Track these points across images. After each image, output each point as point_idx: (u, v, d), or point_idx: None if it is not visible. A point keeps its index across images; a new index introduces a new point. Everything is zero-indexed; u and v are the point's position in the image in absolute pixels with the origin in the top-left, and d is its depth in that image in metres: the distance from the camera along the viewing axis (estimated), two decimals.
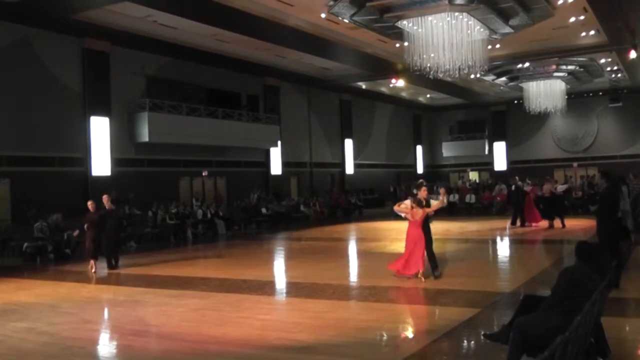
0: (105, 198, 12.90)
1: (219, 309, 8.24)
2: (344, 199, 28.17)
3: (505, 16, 17.74)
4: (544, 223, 18.60)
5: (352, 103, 31.90)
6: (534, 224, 18.76)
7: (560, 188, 19.47)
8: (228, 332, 6.84)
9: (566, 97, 28.58)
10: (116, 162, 19.35)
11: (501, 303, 7.95)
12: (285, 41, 20.24)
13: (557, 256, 12.55)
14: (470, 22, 17.14)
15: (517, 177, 20.03)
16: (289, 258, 15.01)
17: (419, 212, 9.78)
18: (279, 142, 25.92)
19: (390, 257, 13.51)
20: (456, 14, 16.61)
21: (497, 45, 20.93)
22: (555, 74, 26.55)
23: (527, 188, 19.22)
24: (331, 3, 16.84)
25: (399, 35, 18.56)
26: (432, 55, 17.54)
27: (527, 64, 25.58)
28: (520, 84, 28.17)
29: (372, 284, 9.73)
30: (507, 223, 19.60)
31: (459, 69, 17.91)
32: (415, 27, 17.36)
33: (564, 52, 23.31)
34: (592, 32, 20.59)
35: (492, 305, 7.79)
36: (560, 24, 19.19)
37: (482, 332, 5.93)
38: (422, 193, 9.99)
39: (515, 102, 32.45)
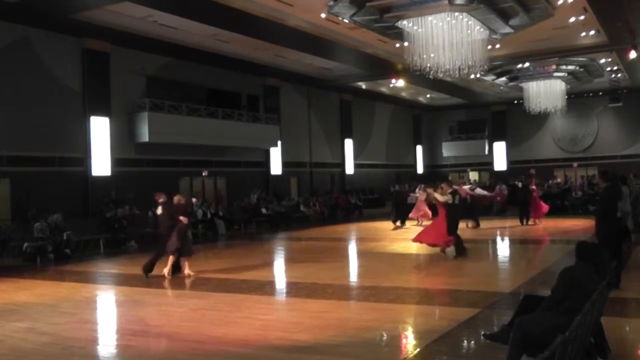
0: (177, 197, 11.62)
1: (218, 309, 8.24)
2: (344, 199, 28.16)
3: (505, 16, 17.74)
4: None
5: (352, 103, 31.89)
6: (537, 221, 19.65)
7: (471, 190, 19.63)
8: (228, 332, 6.84)
9: (566, 97, 28.57)
10: (116, 162, 19.35)
11: (501, 303, 7.94)
12: (285, 41, 20.23)
13: (557, 256, 12.54)
14: (470, 22, 17.14)
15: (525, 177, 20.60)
16: (289, 258, 15.00)
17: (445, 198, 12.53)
18: (279, 142, 25.92)
19: (390, 257, 13.54)
20: (456, 14, 16.61)
21: (497, 45, 20.93)
22: (555, 74, 26.54)
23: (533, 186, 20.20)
24: (331, 3, 16.84)
25: (399, 35, 18.56)
26: (432, 55, 17.53)
27: (527, 64, 25.58)
28: (520, 84, 28.17)
29: (372, 284, 9.74)
30: (508, 223, 19.67)
31: (459, 69, 17.90)
32: (415, 27, 17.36)
33: (564, 52, 23.30)
34: (592, 32, 20.58)
35: (492, 305, 7.79)
36: (560, 24, 19.18)
37: (482, 332, 5.93)
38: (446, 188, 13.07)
39: (515, 102, 32.44)
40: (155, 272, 10.98)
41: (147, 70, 20.96)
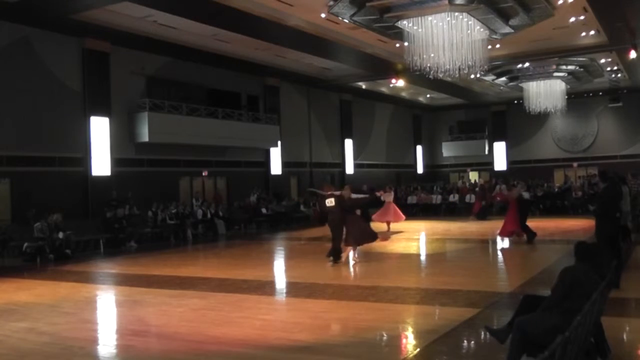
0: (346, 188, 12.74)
1: (219, 309, 8.24)
2: None
3: (505, 16, 17.73)
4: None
5: (352, 103, 31.88)
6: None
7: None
8: (228, 332, 6.84)
9: (566, 97, 28.55)
10: (116, 162, 19.34)
11: (501, 303, 7.95)
12: (285, 41, 20.23)
13: (557, 256, 12.55)
14: (470, 22, 17.13)
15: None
16: (289, 258, 15.00)
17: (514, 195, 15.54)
18: (279, 142, 25.91)
19: (390, 257, 13.52)
20: (456, 14, 16.60)
21: (497, 45, 20.92)
22: (555, 74, 26.53)
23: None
24: (331, 3, 16.84)
25: (399, 35, 18.55)
26: (432, 55, 17.52)
27: (527, 64, 25.56)
28: (520, 84, 28.15)
29: (372, 284, 9.74)
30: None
31: (459, 69, 17.89)
32: (415, 27, 17.36)
33: (564, 52, 23.29)
34: (592, 32, 20.58)
35: (492, 305, 7.79)
36: (560, 24, 19.18)
37: (485, 325, 5.91)
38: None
39: (515, 102, 32.43)
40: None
41: (147, 70, 20.95)
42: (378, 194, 18.89)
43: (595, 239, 8.81)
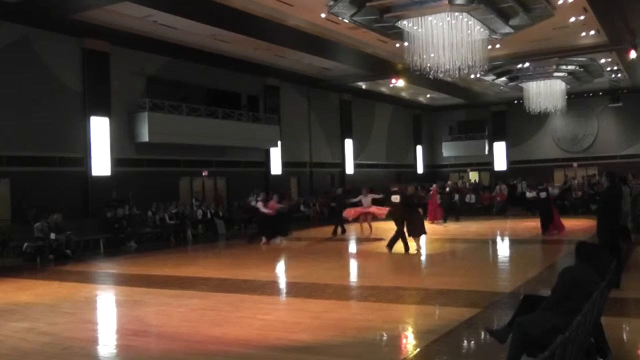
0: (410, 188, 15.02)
1: (219, 309, 8.24)
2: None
3: (505, 16, 17.74)
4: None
5: (352, 103, 31.87)
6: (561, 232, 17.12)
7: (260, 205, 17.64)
8: (228, 332, 6.84)
9: (566, 97, 28.55)
10: (116, 162, 19.34)
11: (501, 303, 7.95)
12: (285, 41, 20.22)
13: (557, 256, 12.55)
14: (470, 22, 17.13)
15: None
16: (289, 258, 14.99)
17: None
18: (279, 142, 25.91)
19: (390, 257, 13.53)
20: (456, 14, 16.61)
21: (497, 45, 20.93)
22: (555, 74, 26.53)
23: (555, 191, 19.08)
24: (331, 3, 16.84)
25: (399, 35, 18.56)
26: (432, 55, 17.53)
27: (527, 64, 25.56)
28: (520, 84, 28.16)
29: (372, 284, 9.74)
30: (508, 224, 19.58)
31: (459, 69, 17.89)
32: (415, 27, 17.36)
33: (564, 52, 23.29)
34: (592, 32, 20.58)
35: (492, 305, 7.79)
36: (560, 24, 19.18)
37: (485, 326, 5.91)
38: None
39: (515, 102, 32.42)
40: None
41: (147, 70, 20.95)
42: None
43: (597, 239, 8.81)
